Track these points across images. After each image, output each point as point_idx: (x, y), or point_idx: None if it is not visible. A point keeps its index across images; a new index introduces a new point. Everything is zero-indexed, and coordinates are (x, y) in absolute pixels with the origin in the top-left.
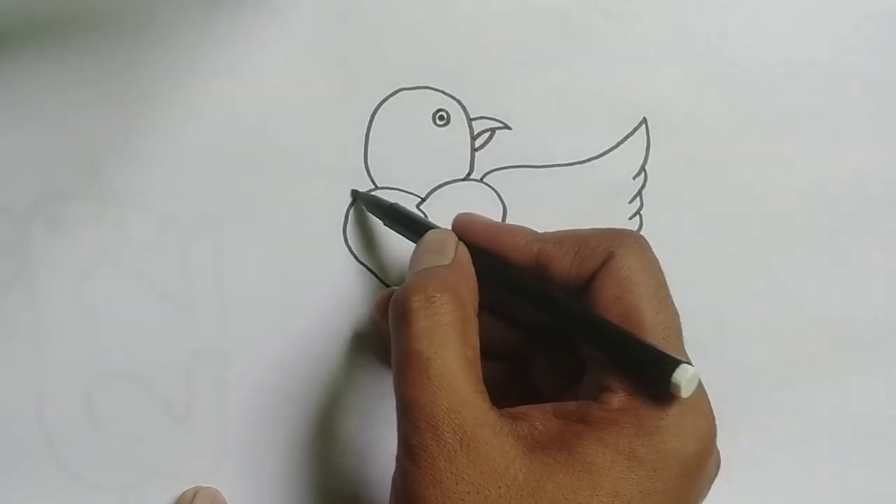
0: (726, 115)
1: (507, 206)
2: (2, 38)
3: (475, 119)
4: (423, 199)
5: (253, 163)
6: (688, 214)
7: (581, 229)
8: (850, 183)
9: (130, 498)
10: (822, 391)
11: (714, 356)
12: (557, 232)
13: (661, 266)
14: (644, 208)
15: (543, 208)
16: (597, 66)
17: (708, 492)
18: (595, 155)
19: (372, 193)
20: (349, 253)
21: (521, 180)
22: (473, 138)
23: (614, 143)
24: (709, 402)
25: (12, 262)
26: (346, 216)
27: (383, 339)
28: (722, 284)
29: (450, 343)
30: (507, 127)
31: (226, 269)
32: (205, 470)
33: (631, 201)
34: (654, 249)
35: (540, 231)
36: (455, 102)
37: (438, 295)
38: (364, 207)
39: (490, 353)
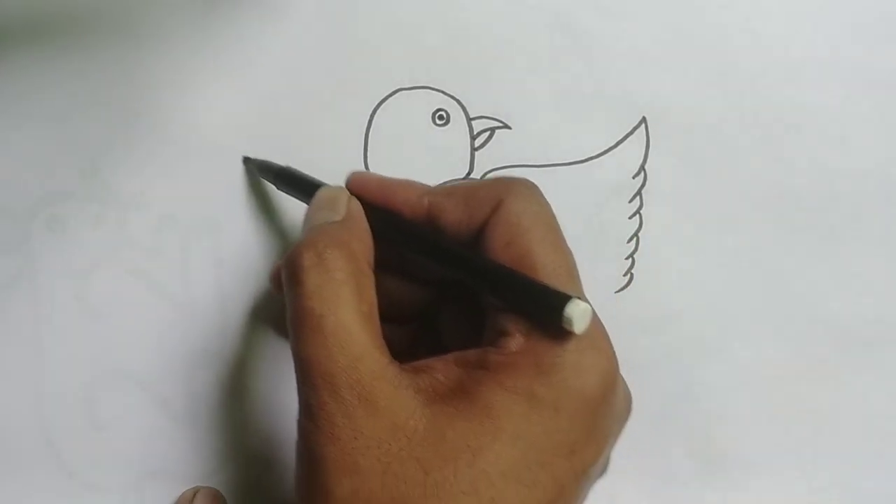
0: (726, 114)
1: None
2: (2, 38)
3: (475, 119)
4: None
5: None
6: (688, 214)
7: (472, 180)
8: (850, 183)
9: (130, 498)
10: (822, 391)
11: (714, 356)
12: (448, 184)
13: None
14: (644, 208)
15: None
16: (596, 65)
17: (620, 431)
18: (595, 154)
19: (262, 159)
20: None
21: None
22: (473, 138)
23: (614, 143)
24: (608, 339)
25: (13, 262)
26: None
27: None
28: (722, 284)
29: (344, 299)
30: (506, 126)
31: (226, 269)
32: (205, 470)
33: (631, 200)
34: (653, 249)
35: None
36: (455, 102)
37: (330, 251)
38: (257, 173)
39: (398, 316)
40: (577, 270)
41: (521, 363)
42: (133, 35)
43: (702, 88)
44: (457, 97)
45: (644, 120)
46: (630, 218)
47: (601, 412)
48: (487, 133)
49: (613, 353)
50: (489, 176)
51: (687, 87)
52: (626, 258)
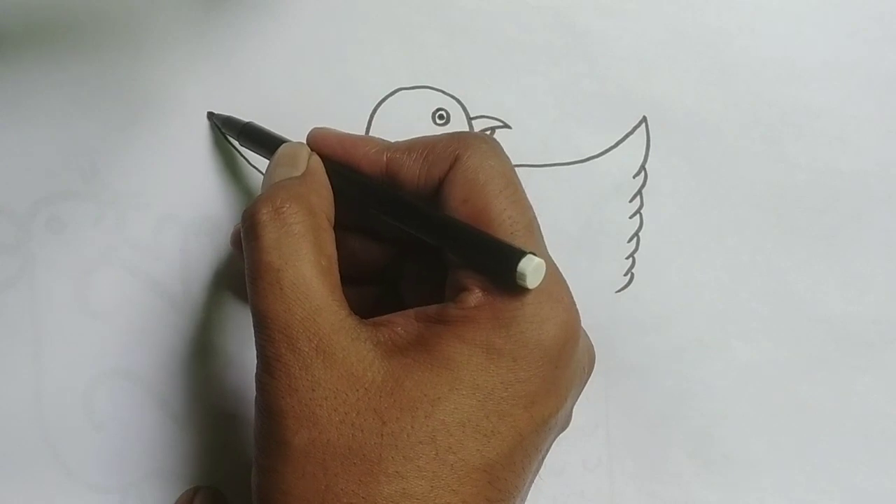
0: (726, 113)
1: None
2: (2, 38)
3: (475, 118)
4: None
5: (252, 163)
6: (688, 214)
7: (431, 135)
8: (850, 183)
9: (130, 498)
10: (822, 391)
11: (714, 356)
12: (408, 140)
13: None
14: (644, 207)
15: (543, 207)
16: (596, 65)
17: (582, 384)
18: (595, 154)
19: (226, 114)
20: None
21: (521, 179)
22: None
23: (614, 142)
24: (569, 291)
25: (13, 262)
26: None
27: None
28: (722, 284)
29: (302, 252)
30: (506, 126)
31: (225, 269)
32: (205, 470)
33: (631, 200)
34: (653, 249)
35: None
36: (454, 102)
37: (288, 205)
38: (219, 128)
39: (360, 276)
40: (536, 224)
41: (480, 317)
42: (133, 36)
43: (702, 88)
44: (457, 97)
45: (644, 119)
46: (630, 218)
47: (561, 363)
48: (487, 133)
49: (574, 305)
50: None
51: (687, 87)
52: (627, 258)
